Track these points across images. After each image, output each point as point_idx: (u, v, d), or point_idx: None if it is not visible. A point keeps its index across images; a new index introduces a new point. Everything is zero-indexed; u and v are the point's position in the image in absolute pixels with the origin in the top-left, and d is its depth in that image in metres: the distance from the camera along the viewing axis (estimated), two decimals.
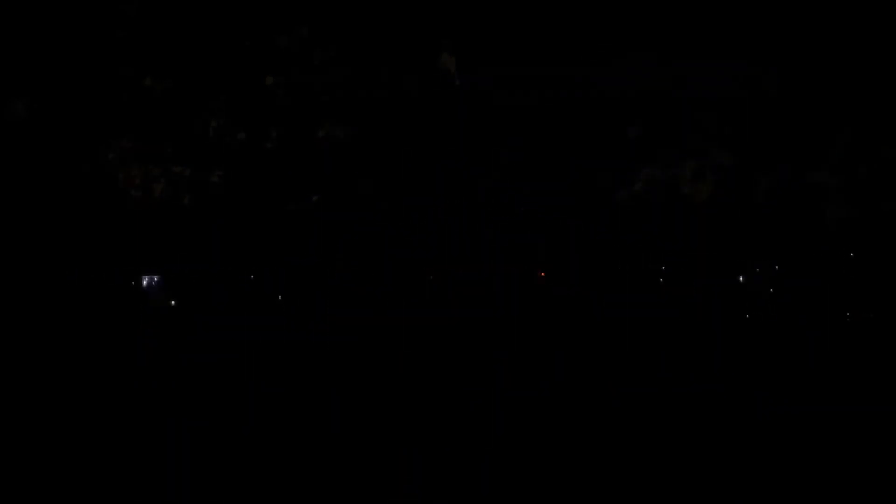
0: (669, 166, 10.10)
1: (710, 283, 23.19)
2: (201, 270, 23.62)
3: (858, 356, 21.20)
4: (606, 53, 12.49)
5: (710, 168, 10.01)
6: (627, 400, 14.90)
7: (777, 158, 10.52)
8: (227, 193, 15.98)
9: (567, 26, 12.76)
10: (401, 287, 25.78)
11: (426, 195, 19.63)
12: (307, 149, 15.24)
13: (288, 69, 12.80)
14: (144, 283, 23.62)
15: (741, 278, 26.12)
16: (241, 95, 12.93)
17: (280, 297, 18.18)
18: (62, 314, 23.01)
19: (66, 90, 12.55)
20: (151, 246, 24.39)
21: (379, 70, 14.33)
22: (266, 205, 21.73)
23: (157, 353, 23.57)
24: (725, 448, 11.04)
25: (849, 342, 23.50)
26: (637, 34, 11.21)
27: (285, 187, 18.19)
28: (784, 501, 8.89)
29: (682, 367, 18.00)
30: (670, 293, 23.33)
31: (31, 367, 19.50)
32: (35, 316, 22.41)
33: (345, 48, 13.13)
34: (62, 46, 12.08)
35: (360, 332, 24.56)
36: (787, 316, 23.62)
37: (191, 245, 24.96)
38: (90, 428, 13.13)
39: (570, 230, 24.91)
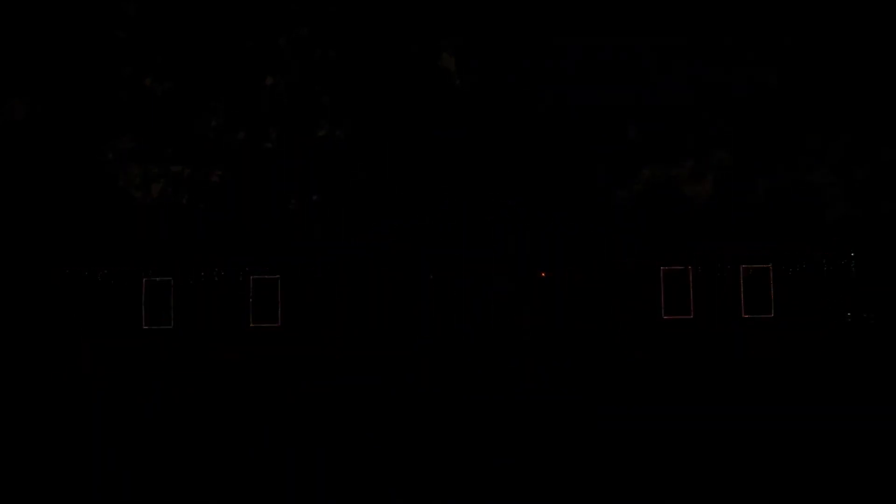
0: (670, 166, 10.09)
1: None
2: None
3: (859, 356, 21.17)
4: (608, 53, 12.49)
5: (709, 168, 10.00)
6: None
7: (777, 158, 10.51)
8: (227, 193, 16.00)
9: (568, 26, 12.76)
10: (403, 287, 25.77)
11: (427, 194, 19.63)
12: (307, 149, 15.26)
13: (288, 69, 12.80)
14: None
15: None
16: (241, 95, 12.94)
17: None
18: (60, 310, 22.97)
19: (66, 90, 12.55)
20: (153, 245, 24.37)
21: (379, 70, 14.34)
22: (266, 205, 21.76)
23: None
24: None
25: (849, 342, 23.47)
26: (639, 35, 11.21)
27: (285, 187, 18.21)
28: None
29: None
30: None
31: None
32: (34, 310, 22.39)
33: (344, 49, 13.14)
34: (62, 47, 12.08)
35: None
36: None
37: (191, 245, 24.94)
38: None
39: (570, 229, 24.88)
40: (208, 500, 8.59)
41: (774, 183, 10.01)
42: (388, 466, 10.09)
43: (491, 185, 22.74)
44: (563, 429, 12.58)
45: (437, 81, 14.01)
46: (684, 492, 8.89)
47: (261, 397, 16.47)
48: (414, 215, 20.79)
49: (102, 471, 10.06)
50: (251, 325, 27.41)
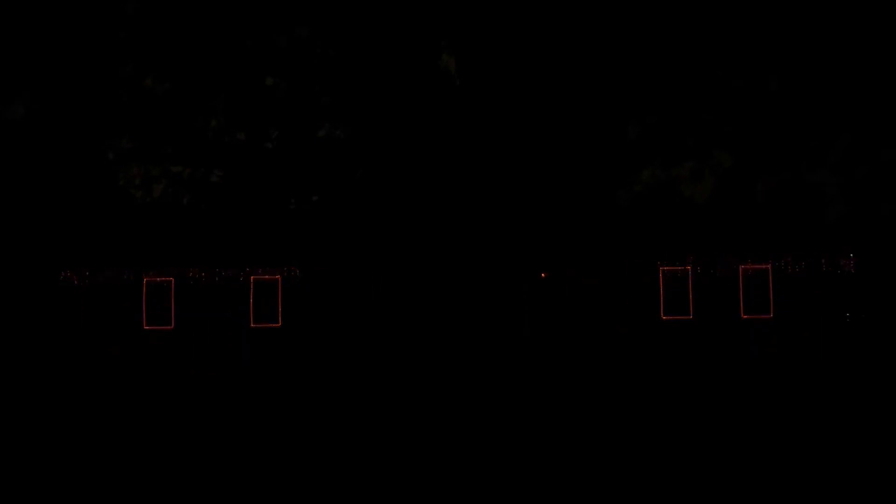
0: (670, 167, 10.10)
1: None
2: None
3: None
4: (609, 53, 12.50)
5: (710, 168, 10.01)
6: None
7: (777, 158, 10.52)
8: (227, 193, 15.99)
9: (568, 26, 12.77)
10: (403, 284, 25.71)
11: (426, 194, 19.63)
12: (307, 149, 15.26)
13: (288, 69, 12.81)
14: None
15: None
16: (241, 95, 12.95)
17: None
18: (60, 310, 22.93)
19: (66, 90, 12.56)
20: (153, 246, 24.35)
21: (379, 70, 14.35)
22: (266, 205, 21.74)
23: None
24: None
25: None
26: (640, 36, 11.22)
27: (285, 187, 18.22)
28: None
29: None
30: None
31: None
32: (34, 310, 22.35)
33: (344, 49, 13.15)
34: (62, 46, 12.08)
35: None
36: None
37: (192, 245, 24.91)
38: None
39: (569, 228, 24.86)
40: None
41: (774, 183, 10.02)
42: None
43: (491, 184, 22.73)
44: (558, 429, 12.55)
45: (437, 81, 14.03)
46: (684, 494, 8.89)
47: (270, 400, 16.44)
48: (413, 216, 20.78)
49: (103, 470, 10.06)
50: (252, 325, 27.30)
